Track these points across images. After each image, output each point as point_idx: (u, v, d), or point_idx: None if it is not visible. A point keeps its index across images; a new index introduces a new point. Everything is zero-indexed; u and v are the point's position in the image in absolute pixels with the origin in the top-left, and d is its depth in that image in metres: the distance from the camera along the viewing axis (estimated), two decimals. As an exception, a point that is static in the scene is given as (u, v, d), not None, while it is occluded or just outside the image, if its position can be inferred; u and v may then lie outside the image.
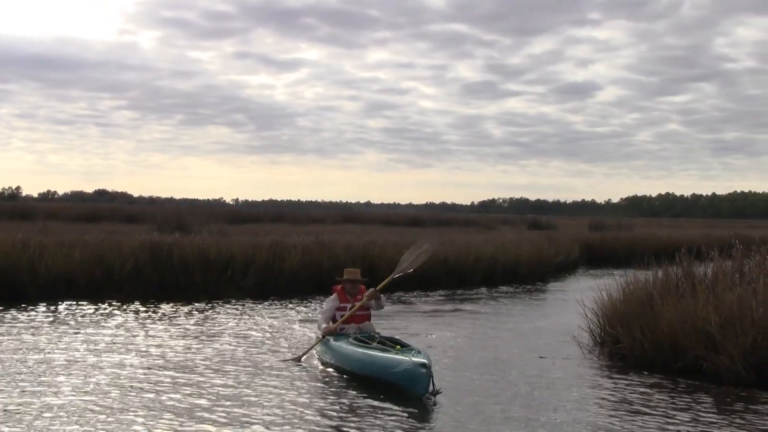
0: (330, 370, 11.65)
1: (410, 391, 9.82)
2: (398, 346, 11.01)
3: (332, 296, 12.68)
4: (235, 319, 16.50)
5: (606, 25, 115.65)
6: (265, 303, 19.41)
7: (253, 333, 14.73)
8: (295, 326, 15.79)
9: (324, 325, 12.38)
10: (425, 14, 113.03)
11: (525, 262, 27.04)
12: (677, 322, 11.89)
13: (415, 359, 9.93)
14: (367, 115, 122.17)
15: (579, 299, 13.97)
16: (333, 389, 10.56)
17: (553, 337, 14.74)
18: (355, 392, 10.29)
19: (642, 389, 10.79)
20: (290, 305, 19.14)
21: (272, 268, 21.93)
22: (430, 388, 9.76)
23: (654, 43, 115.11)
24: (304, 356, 12.38)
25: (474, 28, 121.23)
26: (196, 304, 18.50)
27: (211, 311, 17.61)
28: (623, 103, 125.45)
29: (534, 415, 9.18)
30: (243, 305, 18.86)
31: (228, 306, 18.64)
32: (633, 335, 12.47)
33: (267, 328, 15.43)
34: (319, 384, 10.88)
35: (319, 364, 12.04)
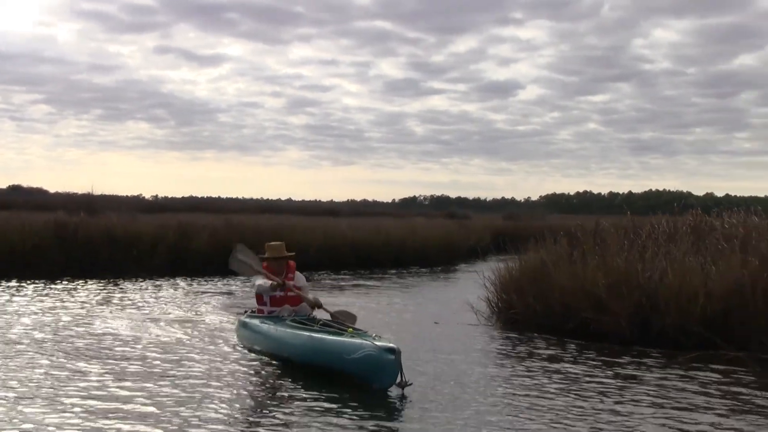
0: (262, 358, 9.84)
1: (372, 382, 8.08)
2: (351, 329, 9.10)
3: (260, 276, 10.73)
4: (139, 297, 16.30)
5: (528, 24, 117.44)
6: (173, 282, 19.34)
7: (159, 311, 14.16)
8: (202, 304, 15.54)
9: (269, 283, 10.38)
10: (350, 11, 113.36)
11: (435, 246, 27.43)
12: (568, 287, 12.24)
13: (379, 343, 8.15)
14: (289, 111, 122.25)
15: (482, 275, 14.25)
16: (267, 382, 8.74)
17: (453, 307, 14.99)
18: (295, 385, 8.49)
19: (531, 347, 11.10)
20: (198, 284, 19.08)
21: (180, 248, 21.83)
22: (398, 378, 8.06)
23: (575, 43, 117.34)
24: (257, 276, 10.66)
25: (398, 25, 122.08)
26: (102, 283, 18.33)
27: (116, 290, 17.46)
28: (544, 102, 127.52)
29: (425, 367, 9.33)
30: (150, 284, 18.73)
31: (133, 284, 18.50)
32: (526, 301, 12.81)
33: (173, 306, 15.14)
34: (248, 375, 9.02)
35: (245, 351, 10.30)
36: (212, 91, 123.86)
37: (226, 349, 10.51)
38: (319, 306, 10.38)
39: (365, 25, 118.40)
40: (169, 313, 13.87)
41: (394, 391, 8.04)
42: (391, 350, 7.99)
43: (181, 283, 19.27)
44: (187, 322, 12.81)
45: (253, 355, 10.05)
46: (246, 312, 11.12)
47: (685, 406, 7.80)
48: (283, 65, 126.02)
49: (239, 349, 10.49)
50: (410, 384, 8.05)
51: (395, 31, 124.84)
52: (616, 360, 10.25)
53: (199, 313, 14.04)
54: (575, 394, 8.25)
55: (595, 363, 10.06)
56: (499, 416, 7.28)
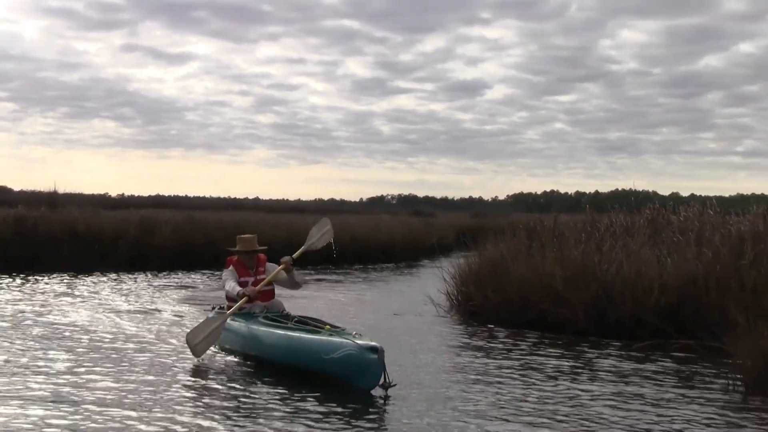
0: (232, 357, 9.44)
1: (354, 383, 7.66)
2: (328, 326, 8.64)
3: (228, 269, 10.06)
4: (100, 291, 16.20)
5: (496, 24, 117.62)
6: (135, 276, 19.24)
7: (123, 306, 13.93)
8: (164, 298, 15.45)
9: (238, 288, 9.69)
10: (318, 10, 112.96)
11: (399, 243, 27.51)
12: (526, 279, 12.36)
13: (360, 342, 7.73)
14: (257, 110, 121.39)
15: (444, 270, 14.35)
16: (239, 383, 8.16)
17: (414, 301, 15.06)
18: (270, 386, 7.97)
19: (488, 338, 11.23)
20: (160, 279, 19.03)
21: (143, 243, 21.75)
22: (382, 379, 7.62)
23: (543, 43, 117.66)
24: (223, 324, 9.46)
25: (366, 24, 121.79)
26: (63, 277, 18.25)
27: (77, 284, 17.37)
28: (511, 101, 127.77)
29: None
30: (111, 278, 18.63)
31: (95, 279, 18.40)
32: (485, 293, 12.91)
33: (134, 299, 15.01)
34: (218, 376, 8.51)
35: (214, 349, 9.68)
36: (179, 89, 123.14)
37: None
38: (291, 266, 9.84)
39: (333, 24, 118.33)
40: (130, 307, 13.80)
41: (376, 392, 7.61)
42: (373, 349, 7.53)
43: (143, 277, 19.22)
44: (149, 317, 12.73)
45: (222, 353, 9.60)
46: (214, 308, 10.49)
47: (636, 391, 7.96)
48: (251, 64, 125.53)
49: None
50: (394, 385, 7.61)
51: (363, 30, 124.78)
52: (572, 349, 10.38)
53: (161, 307, 13.91)
54: (530, 383, 8.37)
55: (551, 353, 10.18)
56: (455, 402, 7.36)
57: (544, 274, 12.21)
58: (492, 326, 12.15)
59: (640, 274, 11.47)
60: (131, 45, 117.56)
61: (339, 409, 7.06)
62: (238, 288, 9.68)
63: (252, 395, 7.62)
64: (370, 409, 7.26)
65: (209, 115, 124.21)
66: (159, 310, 13.44)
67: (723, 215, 13.81)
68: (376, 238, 26.86)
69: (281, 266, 9.80)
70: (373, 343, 7.62)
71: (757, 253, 11.10)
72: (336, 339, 7.94)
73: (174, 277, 19.43)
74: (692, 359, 9.53)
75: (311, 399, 7.39)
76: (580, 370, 9.06)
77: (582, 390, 8.04)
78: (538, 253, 13.05)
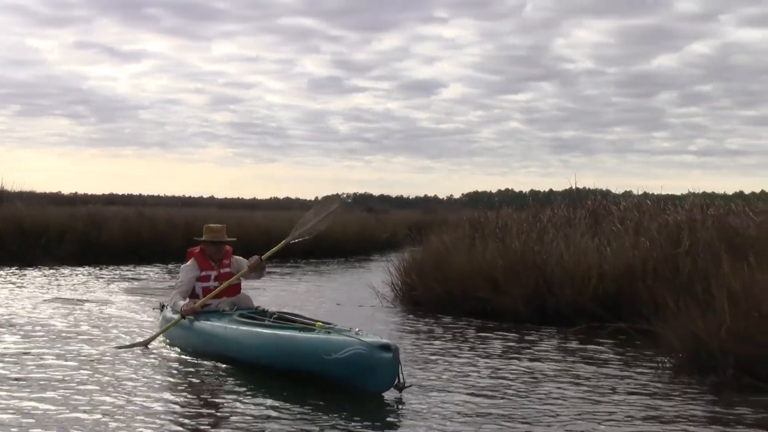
0: (209, 363, 8.26)
1: (362, 386, 6.91)
2: (319, 323, 7.86)
3: (188, 263, 9.35)
4: (48, 286, 15.92)
5: (452, 23, 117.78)
6: (83, 271, 19.03)
7: (68, 302, 13.36)
8: (112, 293, 15.12)
9: (182, 302, 9.02)
10: (274, 8, 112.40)
11: (350, 238, 27.55)
12: (467, 269, 12.48)
13: (369, 339, 6.97)
14: (212, 108, 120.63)
15: (392, 263, 14.51)
16: (222, 389, 7.30)
17: (359, 291, 15.13)
18: (260, 394, 7.06)
19: (429, 326, 11.36)
20: (108, 274, 18.85)
21: (91, 238, 21.62)
22: (396, 380, 6.90)
23: (499, 42, 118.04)
24: (153, 341, 9.23)
25: (322, 23, 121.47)
26: (7, 270, 18.02)
27: (22, 277, 17.19)
28: (467, 100, 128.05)
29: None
30: (57, 272, 18.46)
31: (40, 272, 18.20)
32: (427, 283, 13.03)
33: (84, 297, 14.32)
34: (195, 382, 7.57)
35: (181, 353, 8.79)
36: (134, 87, 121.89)
37: (153, 351, 9.02)
38: (262, 262, 9.17)
39: (289, 23, 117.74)
40: (73, 297, 13.71)
41: (388, 395, 6.95)
42: (386, 347, 6.77)
43: (90, 270, 19.07)
44: (93, 309, 12.61)
45: (195, 358, 8.50)
46: (164, 307, 9.88)
47: (567, 370, 8.24)
48: (206, 62, 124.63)
49: (170, 350, 9.03)
50: (409, 386, 6.97)
51: (319, 28, 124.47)
52: (508, 335, 10.56)
53: (103, 298, 13.82)
54: (463, 363, 8.54)
55: (486, 338, 10.36)
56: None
57: (485, 263, 12.34)
58: (433, 315, 12.28)
59: (579, 262, 11.64)
60: (85, 42, 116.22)
61: (345, 414, 6.42)
62: (182, 302, 9.00)
63: (238, 401, 6.80)
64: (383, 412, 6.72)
65: (164, 114, 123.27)
66: (103, 302, 13.32)
67: (661, 206, 14.05)
68: (327, 233, 26.85)
69: (246, 270, 9.13)
70: (385, 341, 6.93)
71: (692, 241, 11.31)
72: (337, 337, 7.13)
73: (122, 271, 19.30)
74: (624, 342, 9.78)
75: (312, 405, 6.67)
76: (513, 353, 9.26)
77: (513, 370, 8.24)
78: (480, 244, 13.19)
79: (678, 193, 14.41)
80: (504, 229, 13.64)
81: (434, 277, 12.93)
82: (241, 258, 9.44)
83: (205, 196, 63.12)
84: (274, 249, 9.28)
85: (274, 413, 6.42)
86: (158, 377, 7.72)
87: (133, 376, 7.66)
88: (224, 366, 8.10)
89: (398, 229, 33.47)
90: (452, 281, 12.65)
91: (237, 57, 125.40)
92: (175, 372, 8.03)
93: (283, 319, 8.45)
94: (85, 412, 6.29)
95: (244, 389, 7.23)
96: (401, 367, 6.86)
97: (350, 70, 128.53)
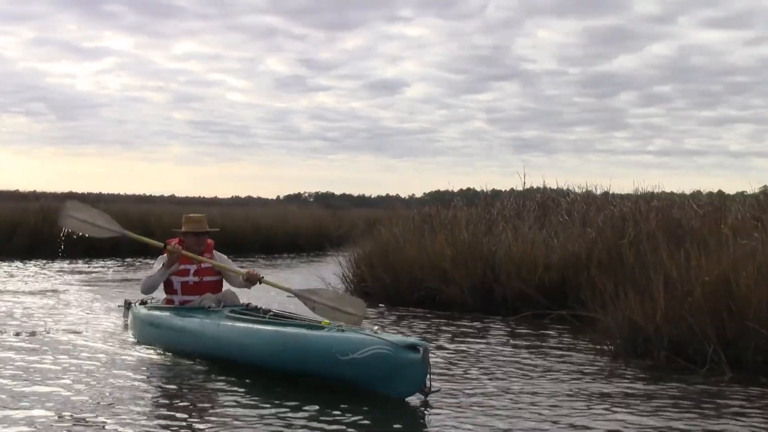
0: (201, 366, 7.41)
1: (383, 390, 6.14)
2: (326, 321, 7.14)
3: (165, 254, 8.42)
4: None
5: (417, 22, 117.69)
6: (34, 265, 18.89)
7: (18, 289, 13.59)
8: (67, 286, 14.82)
9: (160, 264, 8.37)
10: (237, 6, 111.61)
11: (306, 234, 27.67)
12: (416, 259, 12.59)
13: (393, 339, 6.23)
14: (174, 107, 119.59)
15: (342, 256, 14.58)
16: (228, 396, 6.40)
17: (310, 283, 14.98)
18: (265, 397, 6.29)
19: (377, 317, 11.38)
20: (59, 267, 18.73)
21: (43, 232, 21.44)
22: (424, 383, 6.16)
23: (462, 42, 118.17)
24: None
25: (286, 21, 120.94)
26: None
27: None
28: (431, 100, 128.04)
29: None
30: (7, 265, 18.32)
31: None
32: (376, 274, 13.13)
33: (38, 291, 14.09)
34: (193, 390, 6.66)
35: (173, 356, 7.86)
36: (94, 85, 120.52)
37: (129, 351, 8.21)
38: (260, 280, 8.35)
39: (253, 21, 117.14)
40: (25, 289, 13.61)
41: (413, 400, 6.23)
42: (413, 347, 6.00)
43: (41, 264, 18.97)
44: (44, 300, 12.53)
45: (188, 361, 7.66)
46: (130, 305, 9.21)
47: (511, 355, 8.40)
48: (168, 60, 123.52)
49: (153, 349, 8.18)
50: (436, 390, 6.28)
51: (283, 26, 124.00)
52: (453, 324, 10.69)
53: (55, 288, 13.80)
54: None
55: (431, 325, 10.53)
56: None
57: (434, 254, 12.45)
58: (382, 305, 12.37)
59: (526, 253, 11.78)
60: (43, 39, 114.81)
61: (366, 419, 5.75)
62: (158, 265, 8.33)
63: (242, 409, 5.99)
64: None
65: (125, 112, 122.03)
66: (54, 291, 13.35)
67: (608, 199, 14.26)
68: (283, 228, 27.02)
69: (241, 272, 8.45)
70: (412, 339, 6.21)
71: (636, 232, 11.48)
72: (355, 335, 6.36)
73: (74, 265, 19.18)
74: (567, 330, 9.99)
75: (320, 410, 5.90)
76: (456, 339, 9.42)
77: (459, 356, 8.37)
78: (430, 235, 13.29)
79: (638, 192, 14.40)
80: (453, 220, 13.75)
81: (384, 269, 13.02)
82: (223, 255, 8.75)
83: (165, 195, 62.77)
84: (277, 284, 8.55)
85: (278, 421, 5.64)
86: (140, 377, 7.05)
87: (106, 375, 6.98)
88: (220, 367, 7.24)
89: (355, 224, 33.57)
90: (401, 272, 12.75)
91: (199, 55, 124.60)
92: (161, 374, 7.25)
93: (279, 317, 7.65)
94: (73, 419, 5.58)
95: (249, 394, 6.43)
96: (430, 369, 6.11)
97: (314, 69, 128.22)
